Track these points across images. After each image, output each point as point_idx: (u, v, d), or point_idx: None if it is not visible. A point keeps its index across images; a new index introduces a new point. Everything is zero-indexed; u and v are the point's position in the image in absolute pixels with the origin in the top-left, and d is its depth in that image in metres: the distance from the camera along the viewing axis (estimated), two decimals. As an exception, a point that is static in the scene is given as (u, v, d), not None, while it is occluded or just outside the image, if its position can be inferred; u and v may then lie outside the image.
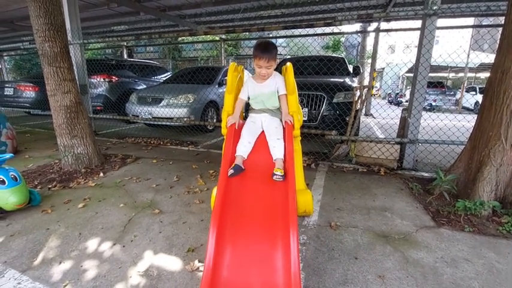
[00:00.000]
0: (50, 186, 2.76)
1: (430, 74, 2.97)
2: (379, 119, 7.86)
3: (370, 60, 9.20)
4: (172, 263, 1.61)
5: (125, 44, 11.99)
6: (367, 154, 3.25)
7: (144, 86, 6.94)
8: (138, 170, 3.26)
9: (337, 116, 3.72)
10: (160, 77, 8.12)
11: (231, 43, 16.17)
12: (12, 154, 2.33)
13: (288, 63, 1.90)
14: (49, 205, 2.35)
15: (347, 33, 8.55)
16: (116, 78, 6.67)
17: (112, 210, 2.26)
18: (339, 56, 5.67)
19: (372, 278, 1.47)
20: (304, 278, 1.47)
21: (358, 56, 8.36)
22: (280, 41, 16.03)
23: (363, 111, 8.60)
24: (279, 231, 1.37)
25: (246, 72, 6.81)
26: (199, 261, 1.59)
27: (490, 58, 12.38)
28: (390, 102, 15.77)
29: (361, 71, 5.16)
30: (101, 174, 3.10)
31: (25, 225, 2.04)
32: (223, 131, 1.83)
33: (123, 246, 1.78)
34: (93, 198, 2.49)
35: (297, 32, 8.12)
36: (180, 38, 12.15)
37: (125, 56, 12.08)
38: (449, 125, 3.70)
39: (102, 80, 6.49)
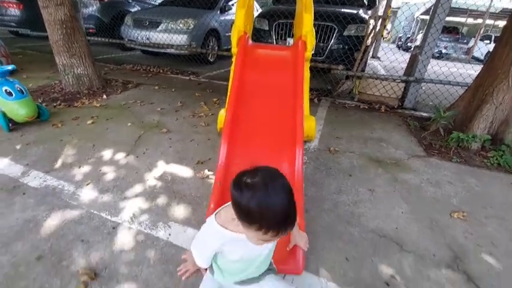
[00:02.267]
0: (54, 104, 2.78)
1: (446, 18, 2.79)
2: (386, 62, 7.58)
3: None
4: (184, 171, 1.76)
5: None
6: (370, 91, 3.25)
7: (139, 8, 6.37)
8: (140, 94, 3.25)
9: (346, 51, 3.59)
10: (156, -1, 7.41)
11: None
12: (14, 66, 2.27)
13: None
14: (58, 120, 2.41)
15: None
16: (108, -3, 6.08)
17: (121, 128, 2.34)
18: (355, -16, 5.13)
19: (363, 190, 1.66)
20: (303, 188, 1.65)
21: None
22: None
23: (371, 52, 8.22)
24: (286, 145, 1.47)
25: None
26: (208, 171, 1.74)
27: (514, 2, 11.39)
28: (399, 47, 14.98)
29: (377, 3, 4.76)
30: (104, 97, 3.10)
31: (38, 136, 2.13)
32: (234, 50, 1.79)
33: (137, 156, 1.91)
34: (101, 116, 2.54)
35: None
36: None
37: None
38: (456, 72, 3.61)
39: (92, -2, 5.92)
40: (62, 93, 3.11)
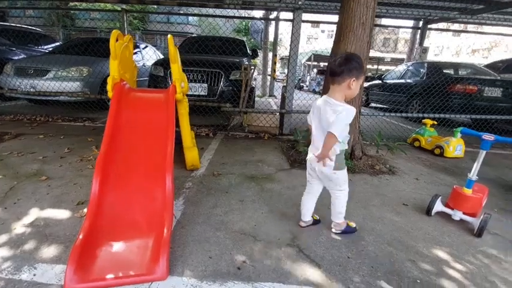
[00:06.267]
0: None
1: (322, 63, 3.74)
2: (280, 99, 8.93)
3: (278, 47, 10.14)
4: (60, 214, 1.76)
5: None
6: (255, 123, 3.87)
7: (23, 56, 5.89)
8: (19, 145, 2.99)
9: (234, 92, 4.21)
10: (46, 47, 6.96)
11: (137, 16, 14.77)
12: None
13: (169, 35, 2.17)
14: None
15: (249, 18, 9.17)
16: (-19, 45, 5.43)
17: (-13, 182, 2.12)
18: (240, 38, 6.18)
19: (234, 202, 2.00)
20: (183, 208, 1.88)
21: (262, 41, 9.12)
22: (191, 20, 15.60)
23: (267, 92, 9.58)
24: (159, 173, 1.70)
25: (151, 47, 6.60)
26: (87, 209, 1.78)
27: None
28: (294, 87, 17.76)
29: (258, 54, 5.81)
30: (-32, 152, 2.73)
31: None
32: (109, 94, 1.99)
33: (5, 208, 1.79)
34: (-41, 173, 2.24)
35: (204, 10, 8.21)
36: (71, 3, 10.31)
37: (-7, 18, 9.59)
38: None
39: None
40: None
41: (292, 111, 3.79)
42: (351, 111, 1.39)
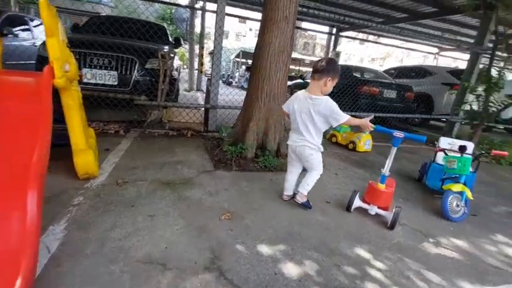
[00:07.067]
0: None
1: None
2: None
3: (206, 41, 9.58)
4: None
5: None
6: (177, 119, 3.45)
7: None
8: None
9: (151, 83, 3.64)
10: None
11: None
12: None
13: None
14: None
15: (174, 4, 8.34)
16: None
17: None
18: (160, 24, 5.52)
19: (142, 218, 1.61)
20: (64, 235, 1.39)
21: (187, 31, 8.46)
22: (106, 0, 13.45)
23: (195, 86, 9.05)
24: (17, 190, 1.18)
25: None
26: None
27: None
28: (224, 82, 17.51)
29: (182, 44, 5.26)
30: None
31: None
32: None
33: None
34: None
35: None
36: None
37: None
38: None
39: None
40: None
41: (217, 106, 3.51)
42: (329, 98, 1.75)
